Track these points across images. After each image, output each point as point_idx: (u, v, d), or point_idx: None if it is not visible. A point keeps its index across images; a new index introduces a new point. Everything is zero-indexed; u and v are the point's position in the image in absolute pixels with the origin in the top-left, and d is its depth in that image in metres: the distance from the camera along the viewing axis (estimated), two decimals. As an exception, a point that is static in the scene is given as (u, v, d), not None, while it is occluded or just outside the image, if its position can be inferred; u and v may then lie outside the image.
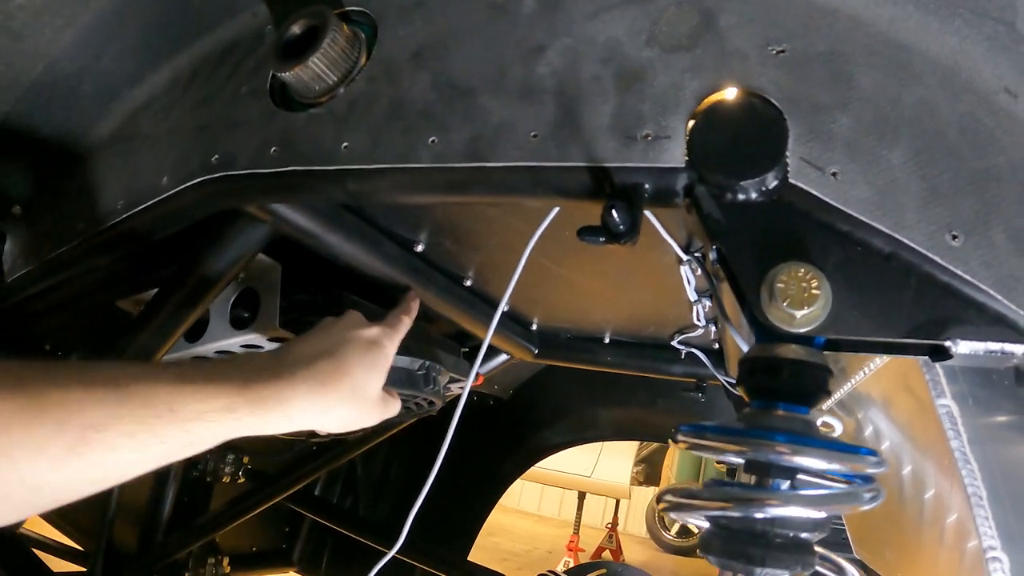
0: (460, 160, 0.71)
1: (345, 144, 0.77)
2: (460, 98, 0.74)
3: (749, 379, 0.69)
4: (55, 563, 1.86)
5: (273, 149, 0.82)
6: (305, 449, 2.07)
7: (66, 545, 2.11)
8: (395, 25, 0.83)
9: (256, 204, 0.88)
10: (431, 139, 0.73)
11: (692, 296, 1.27)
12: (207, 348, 1.14)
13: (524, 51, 0.74)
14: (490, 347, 1.60)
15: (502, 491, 2.54)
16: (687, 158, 0.64)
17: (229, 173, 0.85)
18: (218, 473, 2.05)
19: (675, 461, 7.99)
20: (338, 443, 1.89)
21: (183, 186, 0.90)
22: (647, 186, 0.66)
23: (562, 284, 1.32)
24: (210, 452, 1.99)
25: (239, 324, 1.12)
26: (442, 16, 0.80)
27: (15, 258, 1.14)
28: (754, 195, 0.62)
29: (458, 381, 1.47)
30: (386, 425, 1.40)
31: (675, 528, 8.80)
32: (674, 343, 1.57)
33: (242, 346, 1.14)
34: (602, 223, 0.67)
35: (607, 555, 7.55)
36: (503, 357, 1.67)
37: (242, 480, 2.08)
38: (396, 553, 2.09)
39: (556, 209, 0.86)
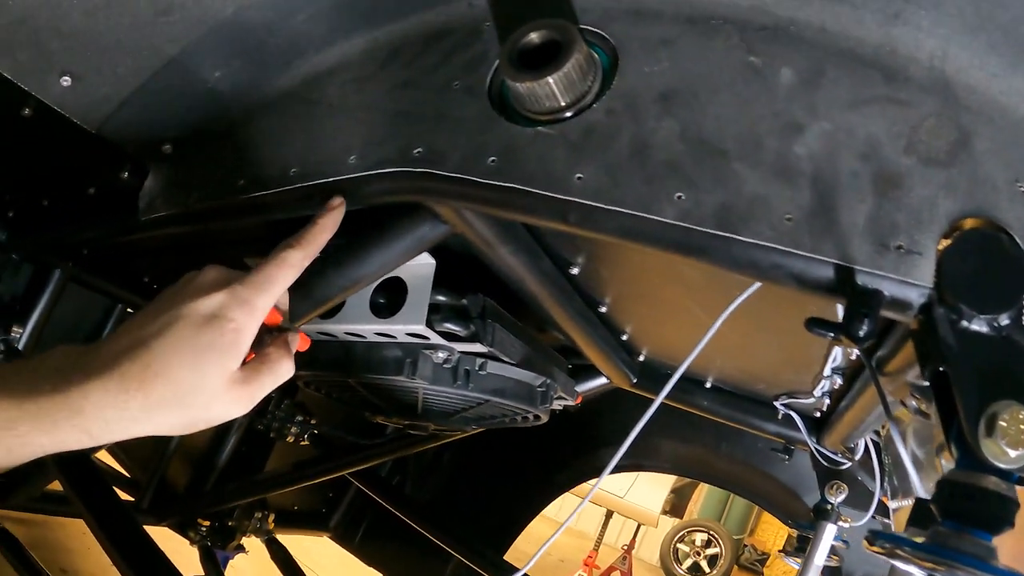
0: (708, 225, 0.68)
1: (579, 175, 0.73)
2: (712, 158, 0.70)
3: (948, 500, 0.69)
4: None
5: (492, 159, 0.78)
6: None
7: (118, 472, 2.12)
8: (639, 59, 0.78)
9: (453, 207, 0.84)
10: (678, 194, 0.69)
11: (827, 372, 1.25)
12: (338, 328, 1.11)
13: (782, 124, 0.70)
14: (593, 369, 1.56)
15: (551, 500, 2.53)
16: (935, 279, 0.63)
17: (435, 172, 0.81)
18: (283, 431, 2.03)
19: (702, 498, 8.05)
20: (432, 436, 1.86)
21: (375, 171, 0.86)
22: (886, 294, 0.65)
23: (689, 325, 1.29)
24: (278, 409, 1.99)
25: (377, 311, 1.09)
26: (692, 62, 0.76)
27: (154, 197, 1.11)
28: (986, 328, 0.62)
29: (562, 399, 1.44)
30: (487, 421, 1.38)
31: (687, 563, 8.82)
32: (777, 403, 1.56)
33: (376, 334, 1.11)
34: (844, 323, 0.65)
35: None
36: (603, 380, 1.63)
37: (305, 442, 2.06)
38: (436, 538, 2.10)
39: (758, 285, 0.83)
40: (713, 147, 0.71)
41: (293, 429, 2.06)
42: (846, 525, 1.53)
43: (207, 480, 2.12)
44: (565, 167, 0.74)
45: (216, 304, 0.69)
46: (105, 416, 0.64)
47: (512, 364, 1.21)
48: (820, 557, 1.51)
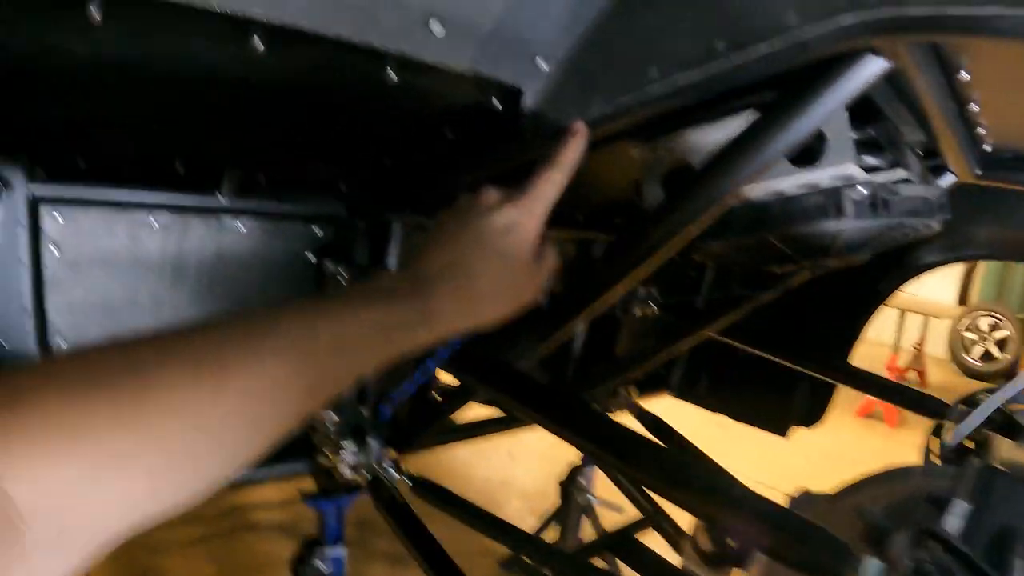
0: None
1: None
2: None
3: None
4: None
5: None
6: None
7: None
8: None
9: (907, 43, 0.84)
10: None
11: None
12: (759, 188, 1.16)
13: None
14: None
15: (875, 308, 2.50)
16: None
17: (904, 14, 0.81)
18: (627, 307, 2.15)
19: (979, 279, 7.64)
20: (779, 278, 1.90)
21: (824, 28, 0.87)
22: None
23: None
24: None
25: (793, 162, 1.13)
26: None
27: (535, 116, 1.07)
28: None
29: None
30: (887, 244, 1.39)
31: (976, 351, 8.50)
32: None
33: (800, 186, 1.14)
34: None
35: (912, 375, 7.58)
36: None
37: (651, 312, 2.17)
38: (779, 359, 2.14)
39: None
40: None
41: (636, 304, 2.18)
42: None
43: (565, 373, 2.28)
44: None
45: (509, 219, 0.87)
46: (450, 319, 0.80)
47: (916, 182, 1.21)
48: None
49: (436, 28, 0.90)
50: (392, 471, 1.68)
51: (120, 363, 0.50)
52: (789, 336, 2.40)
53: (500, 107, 1.09)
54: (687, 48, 0.91)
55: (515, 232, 0.87)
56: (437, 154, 1.31)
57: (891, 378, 7.09)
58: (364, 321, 0.69)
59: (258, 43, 0.81)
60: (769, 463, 4.79)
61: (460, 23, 0.93)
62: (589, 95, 1.03)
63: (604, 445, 1.22)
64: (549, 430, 1.23)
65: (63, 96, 1.00)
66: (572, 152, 0.96)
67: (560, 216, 1.61)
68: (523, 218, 0.88)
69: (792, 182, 1.13)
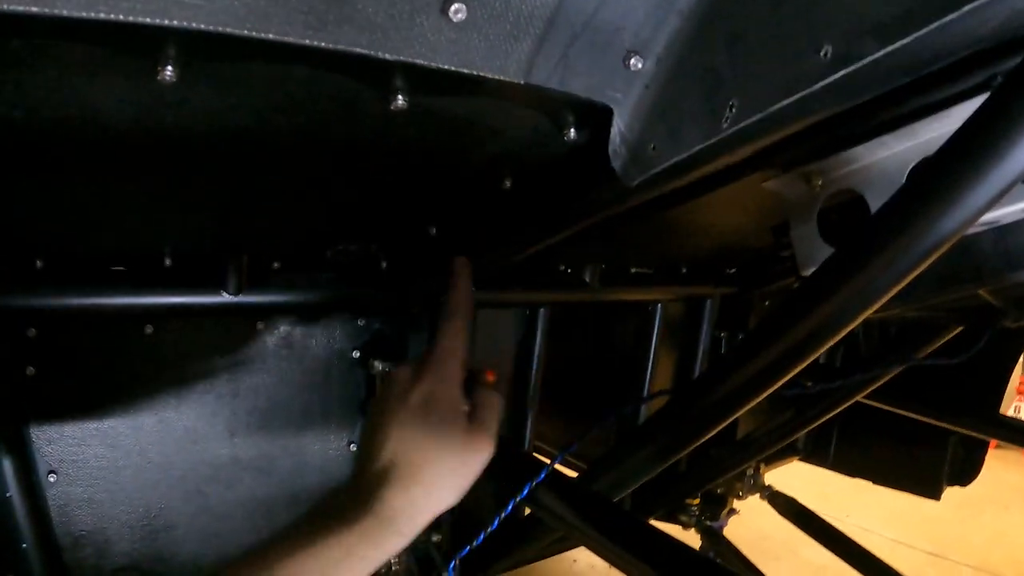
0: None
1: None
2: None
3: None
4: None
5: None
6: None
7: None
8: None
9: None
10: None
11: None
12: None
13: None
14: None
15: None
16: None
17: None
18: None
19: None
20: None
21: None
22: None
23: None
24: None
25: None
26: None
27: (634, 146, 0.70)
28: None
29: None
30: None
31: None
32: None
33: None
34: None
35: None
36: None
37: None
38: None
39: None
40: None
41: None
42: None
43: (679, 462, 1.93)
44: None
45: (423, 394, 0.84)
46: (410, 514, 0.78)
47: None
48: None
49: (459, 16, 0.56)
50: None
51: None
52: (931, 389, 2.01)
53: (576, 136, 0.74)
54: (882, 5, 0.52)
55: (434, 404, 0.84)
56: (493, 212, 0.98)
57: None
58: (334, 555, 0.72)
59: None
60: (901, 514, 4.34)
61: (498, 3, 0.56)
62: (718, 100, 0.61)
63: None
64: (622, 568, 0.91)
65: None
66: (464, 292, 0.92)
67: (660, 271, 1.24)
68: (437, 387, 0.85)
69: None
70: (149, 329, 1.14)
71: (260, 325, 1.20)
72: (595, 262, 1.42)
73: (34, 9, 0.45)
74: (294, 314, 1.21)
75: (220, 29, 0.50)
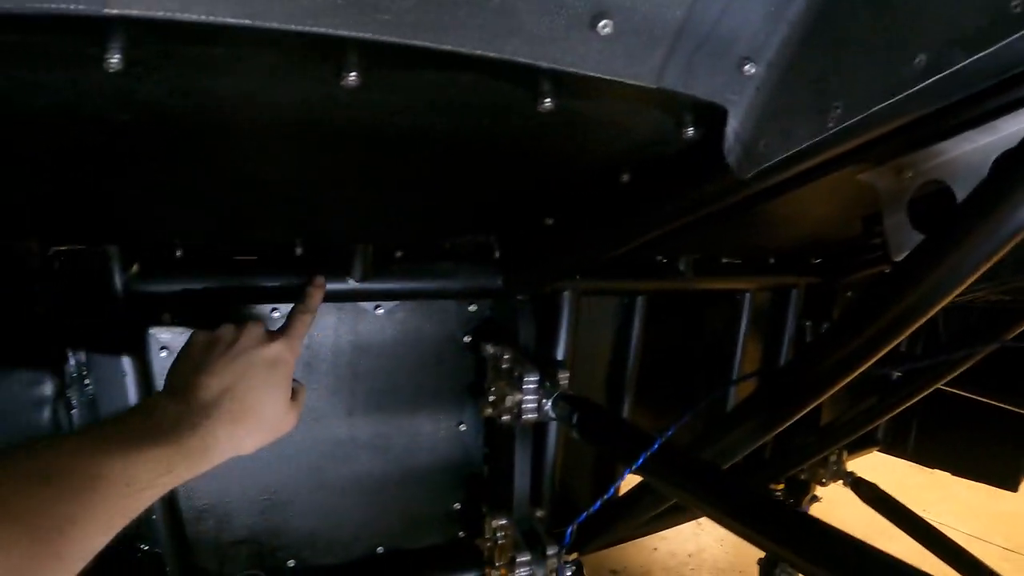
0: None
1: None
2: None
3: None
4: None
5: None
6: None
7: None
8: None
9: None
10: None
11: None
12: None
13: None
14: None
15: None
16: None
17: None
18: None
19: None
20: None
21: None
22: None
23: None
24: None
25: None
26: None
27: (747, 143, 0.77)
28: None
29: None
30: None
31: None
32: None
33: None
34: None
35: None
36: None
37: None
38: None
39: None
40: None
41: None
42: None
43: (764, 447, 1.95)
44: None
45: (275, 352, 0.95)
46: (223, 447, 0.85)
47: None
48: None
49: (606, 30, 0.63)
50: (570, 576, 1.41)
51: None
52: (1010, 376, 1.99)
53: (693, 134, 0.80)
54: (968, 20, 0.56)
55: (280, 367, 0.95)
56: (609, 204, 1.04)
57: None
58: (150, 459, 0.76)
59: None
60: (977, 509, 4.27)
61: (638, 18, 0.64)
62: (824, 101, 0.67)
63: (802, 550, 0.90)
64: (741, 535, 0.93)
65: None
66: (317, 297, 1.07)
67: (749, 261, 1.25)
68: (286, 354, 0.96)
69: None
70: (276, 314, 1.23)
71: (380, 311, 1.28)
72: (689, 253, 1.47)
73: (246, 21, 0.53)
74: (412, 300, 1.29)
75: (406, 41, 0.58)
